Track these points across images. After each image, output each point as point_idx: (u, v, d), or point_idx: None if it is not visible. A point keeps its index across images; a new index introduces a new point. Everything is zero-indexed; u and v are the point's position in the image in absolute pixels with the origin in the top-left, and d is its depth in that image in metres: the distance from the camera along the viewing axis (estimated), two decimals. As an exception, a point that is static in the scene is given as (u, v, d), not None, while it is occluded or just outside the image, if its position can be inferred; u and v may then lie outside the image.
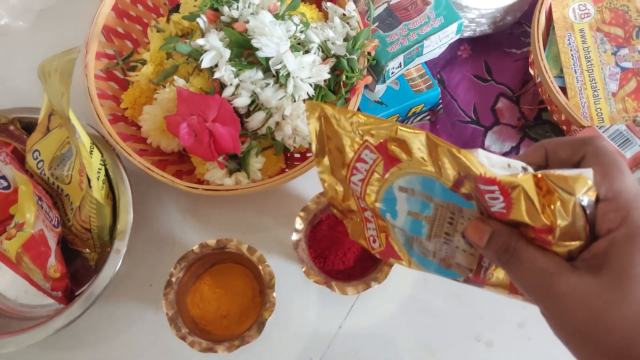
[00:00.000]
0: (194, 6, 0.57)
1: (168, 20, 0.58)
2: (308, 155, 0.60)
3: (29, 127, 0.57)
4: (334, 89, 0.55)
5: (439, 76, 0.68)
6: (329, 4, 0.57)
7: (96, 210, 0.49)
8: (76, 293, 0.56)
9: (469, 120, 0.66)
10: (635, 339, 0.26)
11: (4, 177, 0.55)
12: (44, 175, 0.53)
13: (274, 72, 0.52)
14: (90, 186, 0.48)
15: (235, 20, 0.54)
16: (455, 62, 0.69)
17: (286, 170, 0.60)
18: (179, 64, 0.56)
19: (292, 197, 0.64)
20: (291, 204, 0.64)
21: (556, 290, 0.28)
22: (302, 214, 0.56)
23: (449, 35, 0.59)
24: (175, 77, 0.54)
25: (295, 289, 0.59)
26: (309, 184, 0.62)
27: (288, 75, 0.52)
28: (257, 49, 0.50)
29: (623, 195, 0.27)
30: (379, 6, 0.59)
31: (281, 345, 0.57)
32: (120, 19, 0.61)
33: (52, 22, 0.69)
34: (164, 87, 0.57)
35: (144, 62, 0.60)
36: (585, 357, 0.28)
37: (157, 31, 0.59)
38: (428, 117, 0.65)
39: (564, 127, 0.60)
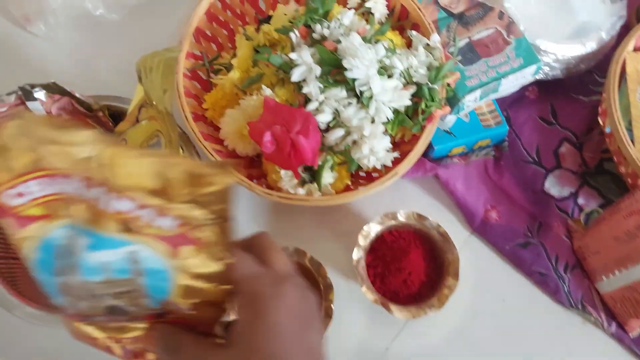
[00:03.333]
0: (286, 17, 0.60)
1: (258, 30, 0.61)
2: (374, 175, 0.62)
3: (114, 115, 0.60)
4: (410, 115, 0.57)
5: (505, 113, 0.70)
6: (414, 32, 0.59)
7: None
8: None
9: (531, 160, 0.67)
10: None
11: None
12: (128, 163, 0.56)
13: (357, 93, 0.54)
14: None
15: (325, 38, 0.57)
16: (523, 102, 0.70)
17: (351, 187, 0.61)
18: (264, 73, 0.59)
19: (350, 213, 0.66)
20: (348, 219, 0.65)
21: None
22: (364, 232, 0.58)
23: (526, 76, 0.61)
24: (263, 86, 0.56)
25: (346, 304, 0.60)
26: (369, 202, 0.64)
27: (371, 97, 0.53)
28: (346, 69, 0.52)
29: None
30: (460, 40, 0.61)
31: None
32: (210, 23, 0.64)
33: (141, 18, 0.73)
34: (247, 93, 0.60)
35: (228, 66, 0.63)
36: None
37: (246, 39, 0.61)
38: (493, 153, 0.67)
39: (629, 180, 0.61)
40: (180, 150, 0.55)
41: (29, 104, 0.52)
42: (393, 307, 0.55)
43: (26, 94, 0.52)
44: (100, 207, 0.31)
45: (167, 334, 0.33)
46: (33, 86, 0.52)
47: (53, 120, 0.32)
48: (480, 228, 0.64)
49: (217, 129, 0.62)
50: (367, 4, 0.61)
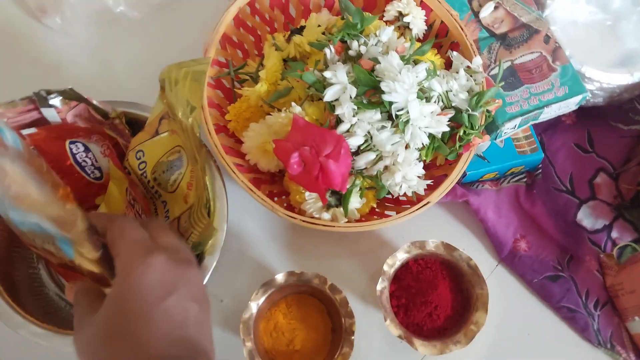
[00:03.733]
0: (319, 29, 0.56)
1: (288, 40, 0.57)
2: (401, 198, 0.59)
3: (131, 122, 0.57)
4: (446, 140, 0.54)
5: (539, 137, 0.67)
6: (455, 53, 0.56)
7: (202, 229, 0.48)
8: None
9: (564, 189, 0.64)
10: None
11: (99, 169, 0.54)
12: (145, 177, 0.53)
13: (393, 116, 0.51)
14: (207, 212, 0.47)
15: (360, 55, 0.53)
16: (558, 127, 0.67)
17: (376, 209, 0.59)
18: (293, 87, 0.55)
19: (371, 235, 0.63)
20: (369, 241, 0.63)
21: None
22: (389, 261, 0.55)
23: (569, 106, 0.57)
24: (292, 103, 0.53)
25: (365, 332, 0.58)
26: (393, 229, 0.61)
27: (408, 122, 0.50)
28: (384, 92, 0.49)
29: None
30: (502, 63, 0.58)
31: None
32: (237, 28, 0.61)
33: (164, 17, 0.69)
34: (273, 107, 0.57)
35: (254, 76, 0.59)
36: None
37: (276, 49, 0.58)
38: (525, 180, 0.64)
39: (669, 218, 0.58)
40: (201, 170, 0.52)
41: (44, 110, 0.49)
42: (417, 342, 0.52)
43: (41, 100, 0.48)
44: None
45: (77, 291, 0.38)
46: (49, 92, 0.49)
47: None
48: (509, 259, 0.61)
49: (239, 141, 0.59)
50: (406, 19, 0.57)
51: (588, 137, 0.67)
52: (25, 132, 0.49)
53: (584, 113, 0.67)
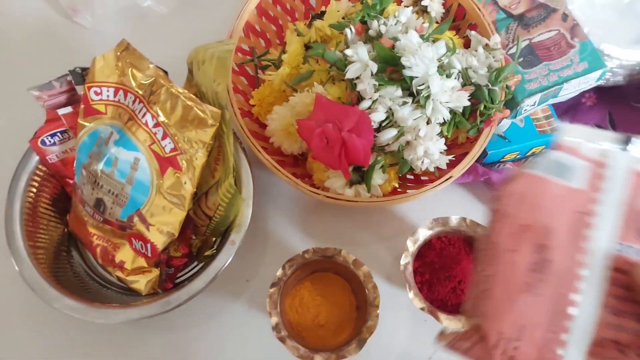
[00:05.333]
0: (339, 14, 0.58)
1: (309, 25, 0.59)
2: (422, 178, 0.60)
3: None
4: (467, 117, 0.55)
5: (560, 120, 0.67)
6: (473, 32, 0.57)
7: (229, 201, 0.49)
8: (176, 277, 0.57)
9: (587, 169, 0.64)
10: None
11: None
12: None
13: (414, 92, 0.52)
14: (233, 176, 0.49)
15: (381, 35, 0.55)
16: (579, 109, 0.67)
17: (398, 189, 0.59)
18: (314, 70, 0.57)
19: (394, 217, 0.63)
20: (392, 222, 0.63)
21: None
22: (412, 237, 0.55)
23: (589, 82, 0.58)
24: (315, 83, 0.54)
25: (389, 309, 0.58)
26: (414, 205, 0.62)
27: (429, 97, 0.51)
28: (404, 67, 0.50)
29: None
30: (520, 41, 0.59)
31: (370, 364, 0.57)
32: (259, 17, 0.63)
33: (189, 12, 0.72)
34: (295, 90, 0.58)
35: (276, 62, 0.61)
36: None
37: (297, 35, 0.60)
38: (546, 160, 0.64)
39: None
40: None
41: (78, 88, 0.52)
42: (442, 316, 0.52)
43: (76, 77, 0.51)
44: (136, 118, 0.48)
45: None
46: (84, 69, 0.51)
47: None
48: (532, 238, 0.61)
49: (263, 126, 0.60)
50: (423, 2, 0.59)
51: (609, 118, 0.67)
52: (61, 111, 0.51)
53: (604, 94, 0.67)
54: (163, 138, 0.48)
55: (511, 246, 0.29)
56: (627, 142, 0.28)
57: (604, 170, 0.27)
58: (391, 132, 0.52)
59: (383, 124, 0.53)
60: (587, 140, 0.28)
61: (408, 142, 0.53)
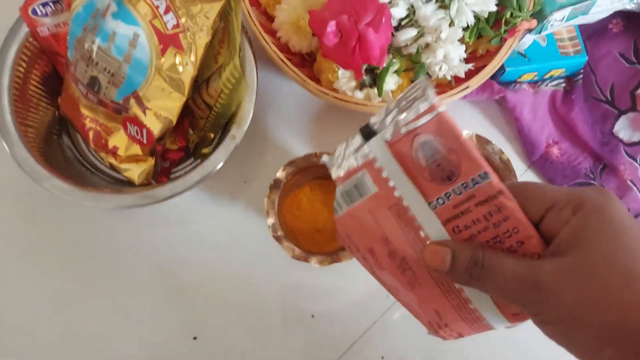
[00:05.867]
0: None
1: None
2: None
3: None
4: (491, 26, 0.51)
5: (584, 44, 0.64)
6: None
7: (232, 86, 0.46)
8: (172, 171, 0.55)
9: (604, 99, 0.62)
10: (631, 312, 0.25)
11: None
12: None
13: (439, -10, 0.48)
14: (239, 56, 0.46)
15: None
16: (604, 34, 0.64)
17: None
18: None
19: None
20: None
21: (538, 283, 0.26)
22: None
23: (624, 0, 0.54)
24: (333, -30, 0.50)
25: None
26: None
27: (454, -4, 0.48)
28: (432, -40, 0.46)
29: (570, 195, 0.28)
30: (555, -50, 0.54)
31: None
32: None
33: None
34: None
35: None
36: (580, 340, 0.26)
37: None
38: (564, 85, 0.61)
39: None
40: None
41: None
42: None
43: None
44: None
45: (467, 248, 0.29)
46: None
47: None
48: (540, 162, 0.60)
49: (270, 19, 0.56)
50: None
51: (634, 47, 0.64)
52: None
53: (632, 22, 0.64)
54: (166, 12, 0.44)
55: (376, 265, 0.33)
56: (367, 131, 0.30)
57: (376, 164, 0.29)
58: (411, 32, 0.49)
59: (402, 23, 0.50)
60: (344, 158, 0.31)
61: (427, 45, 0.50)
